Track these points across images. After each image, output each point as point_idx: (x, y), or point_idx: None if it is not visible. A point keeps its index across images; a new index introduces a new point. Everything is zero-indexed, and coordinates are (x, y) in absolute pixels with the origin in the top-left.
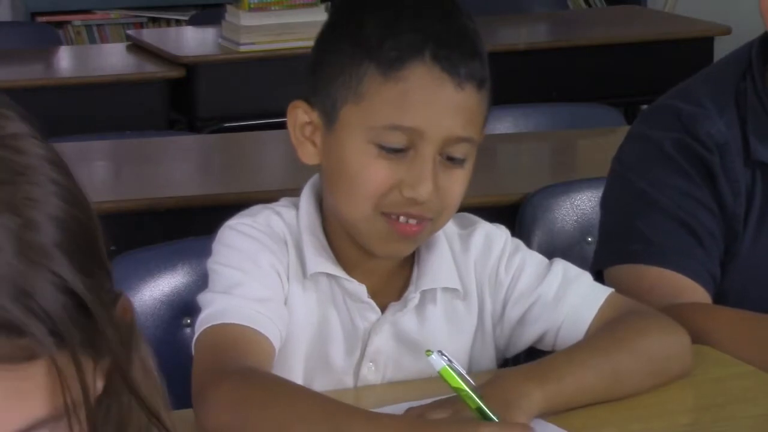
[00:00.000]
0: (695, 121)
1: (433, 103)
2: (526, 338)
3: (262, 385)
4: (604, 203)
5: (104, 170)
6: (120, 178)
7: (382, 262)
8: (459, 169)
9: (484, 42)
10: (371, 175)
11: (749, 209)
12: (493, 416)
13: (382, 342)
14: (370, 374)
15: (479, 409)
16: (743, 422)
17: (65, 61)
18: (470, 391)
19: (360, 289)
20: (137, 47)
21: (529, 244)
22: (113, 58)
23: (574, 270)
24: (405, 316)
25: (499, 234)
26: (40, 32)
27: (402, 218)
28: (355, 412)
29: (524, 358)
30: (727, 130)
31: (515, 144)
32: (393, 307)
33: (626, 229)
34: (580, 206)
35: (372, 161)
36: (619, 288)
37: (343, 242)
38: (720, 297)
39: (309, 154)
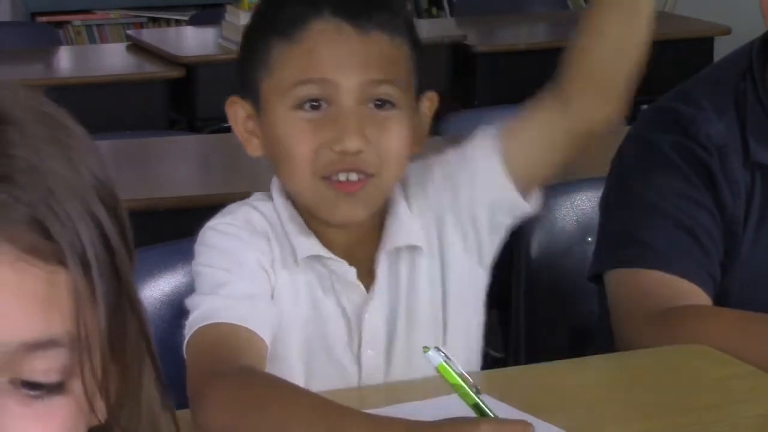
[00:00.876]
0: (694, 124)
1: (337, 52)
2: (485, 221)
3: (259, 385)
4: (603, 205)
5: None
6: (120, 178)
7: (359, 237)
8: (391, 117)
9: (404, 4)
10: (297, 140)
11: (749, 211)
12: (491, 413)
13: (374, 325)
14: (371, 361)
15: (477, 406)
16: (743, 422)
17: (65, 61)
18: (468, 388)
19: (349, 270)
20: (137, 47)
21: (529, 244)
22: (113, 58)
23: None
24: (383, 292)
25: (417, 165)
26: (40, 32)
27: (341, 176)
28: (351, 413)
29: (525, 360)
30: (726, 131)
31: None
32: (374, 286)
33: (625, 232)
34: (580, 206)
35: (296, 125)
36: (619, 292)
37: (320, 226)
38: (720, 299)
39: (255, 147)
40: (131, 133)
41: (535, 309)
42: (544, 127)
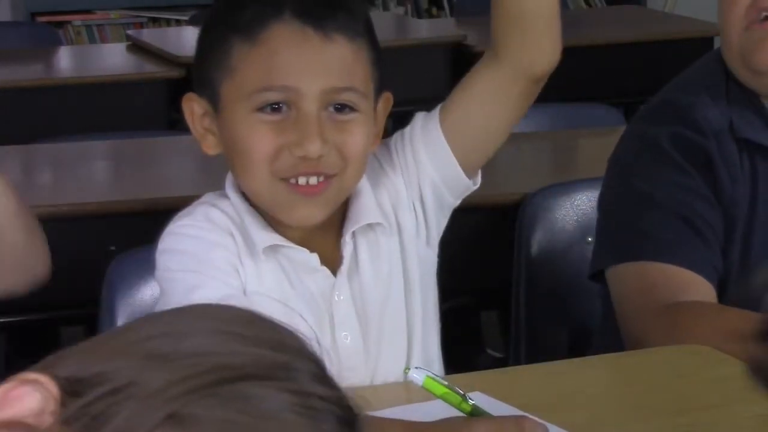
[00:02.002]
0: (691, 110)
1: (300, 58)
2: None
3: None
4: (602, 203)
5: (104, 170)
6: (120, 178)
7: (319, 228)
8: (351, 120)
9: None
10: (257, 141)
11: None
12: (485, 412)
13: (344, 308)
14: (348, 342)
15: (473, 409)
16: (743, 422)
17: (65, 61)
18: (459, 395)
19: (311, 257)
20: (137, 47)
21: (529, 244)
22: (113, 58)
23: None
24: (351, 273)
25: (378, 146)
26: (40, 32)
27: (301, 179)
28: None
29: (525, 360)
30: (721, 116)
31: (515, 144)
32: (341, 268)
33: (626, 226)
34: (580, 206)
35: (256, 128)
36: (623, 286)
37: (275, 218)
38: (721, 281)
39: (211, 145)
40: (131, 133)
41: (536, 309)
42: (483, 88)
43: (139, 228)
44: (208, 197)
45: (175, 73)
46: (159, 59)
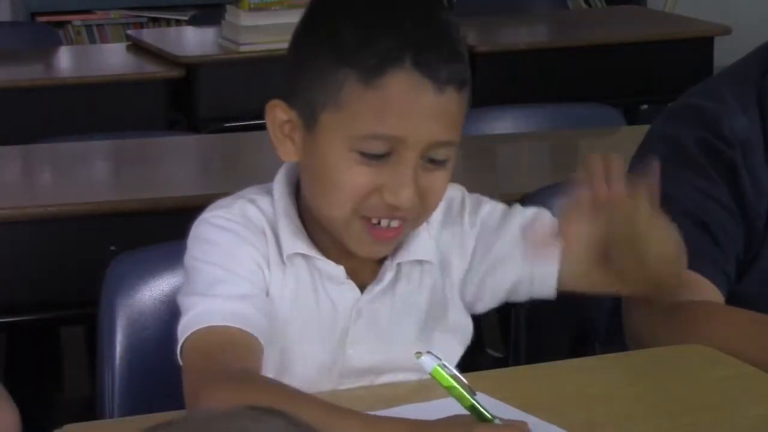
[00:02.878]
0: (718, 118)
1: (414, 110)
2: (497, 290)
3: (258, 390)
4: None
5: (104, 170)
6: (120, 178)
7: None
8: (440, 170)
9: (464, 37)
10: (352, 180)
11: None
12: (487, 414)
13: (364, 323)
14: (356, 358)
15: (473, 408)
16: (743, 422)
17: (65, 61)
18: (463, 390)
19: (337, 270)
20: (137, 47)
21: None
22: (113, 58)
23: (531, 209)
24: (383, 294)
25: (456, 192)
26: (40, 32)
27: (383, 222)
28: (352, 414)
29: (525, 360)
30: (750, 126)
31: (515, 144)
32: (371, 285)
33: None
34: None
35: (353, 167)
36: None
37: (317, 226)
38: (739, 297)
39: (288, 152)
40: (131, 133)
41: (536, 309)
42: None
43: (139, 228)
44: (250, 191)
45: (175, 73)
46: (159, 59)
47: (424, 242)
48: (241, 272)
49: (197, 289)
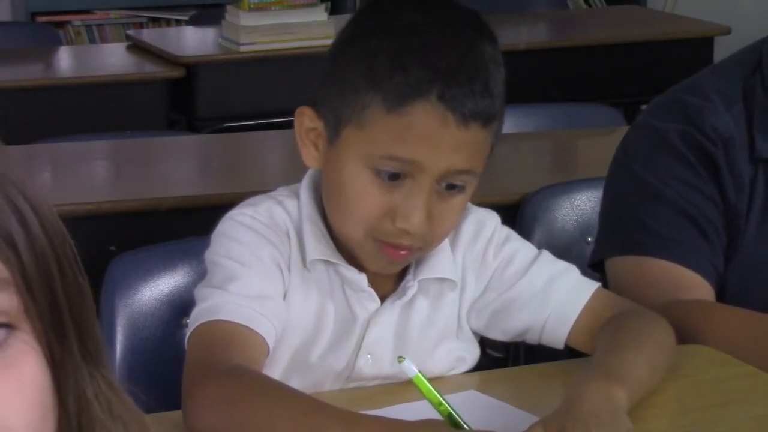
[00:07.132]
0: (701, 115)
1: (433, 139)
2: (508, 329)
3: (248, 385)
4: (608, 192)
5: (104, 170)
6: (120, 178)
7: None
8: (457, 196)
9: (502, 71)
10: (366, 201)
11: (751, 206)
12: (464, 424)
13: (380, 333)
14: (367, 367)
15: (450, 417)
16: (743, 422)
17: (65, 61)
18: (442, 399)
19: (360, 278)
20: (137, 47)
21: None
22: (113, 58)
23: (561, 263)
24: (402, 308)
25: (489, 219)
26: (40, 32)
27: (393, 241)
28: (336, 413)
29: (525, 360)
30: (733, 124)
31: (515, 144)
32: (392, 297)
33: (630, 219)
34: (580, 206)
35: (367, 187)
36: (622, 279)
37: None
38: (719, 293)
39: (312, 158)
40: (131, 133)
41: None
42: None
43: (139, 228)
44: (278, 192)
45: (175, 73)
46: (159, 59)
47: (447, 260)
48: (260, 272)
49: (213, 283)
